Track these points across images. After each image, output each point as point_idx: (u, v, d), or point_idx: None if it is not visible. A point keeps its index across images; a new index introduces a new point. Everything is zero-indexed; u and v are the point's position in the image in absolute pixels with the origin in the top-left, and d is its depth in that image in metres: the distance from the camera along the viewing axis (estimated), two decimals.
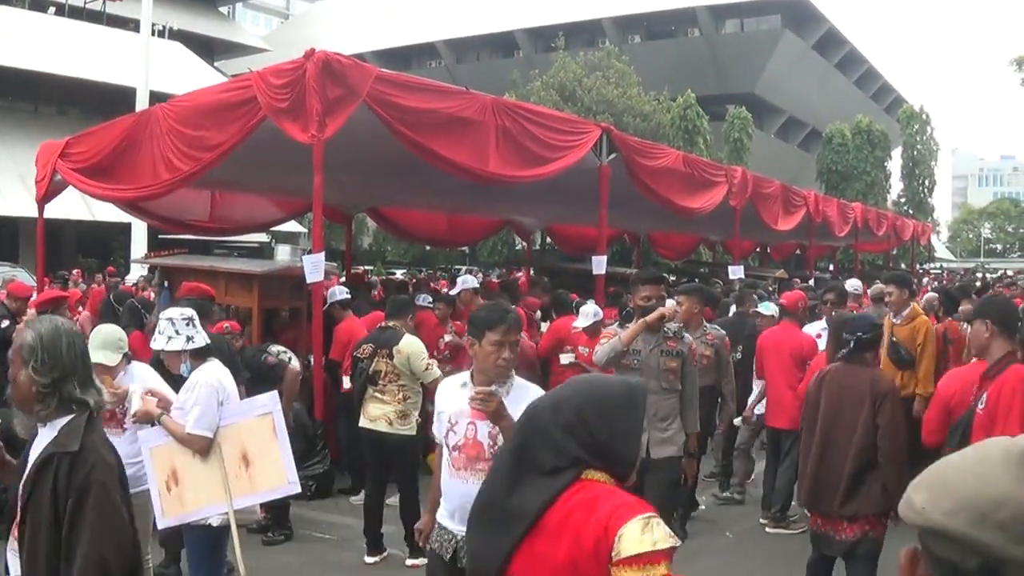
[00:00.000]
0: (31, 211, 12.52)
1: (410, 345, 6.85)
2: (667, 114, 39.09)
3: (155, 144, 9.14)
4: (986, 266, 59.56)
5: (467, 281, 11.26)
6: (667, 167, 12.35)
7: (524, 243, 20.83)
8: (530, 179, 9.86)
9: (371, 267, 41.50)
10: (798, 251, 28.82)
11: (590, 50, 45.54)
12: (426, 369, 6.86)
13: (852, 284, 11.10)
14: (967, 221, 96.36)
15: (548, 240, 22.94)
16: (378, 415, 6.75)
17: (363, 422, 6.86)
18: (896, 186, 50.03)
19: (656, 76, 42.86)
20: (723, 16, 57.30)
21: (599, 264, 11.24)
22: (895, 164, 49.93)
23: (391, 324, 7.03)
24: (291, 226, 28.32)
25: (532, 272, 18.29)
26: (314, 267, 8.04)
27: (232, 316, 8.69)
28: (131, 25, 33.18)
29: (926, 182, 49.42)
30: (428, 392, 6.67)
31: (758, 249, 28.02)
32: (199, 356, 5.18)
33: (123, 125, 9.83)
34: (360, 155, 9.77)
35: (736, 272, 15.46)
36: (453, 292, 10.93)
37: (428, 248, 40.54)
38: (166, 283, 9.47)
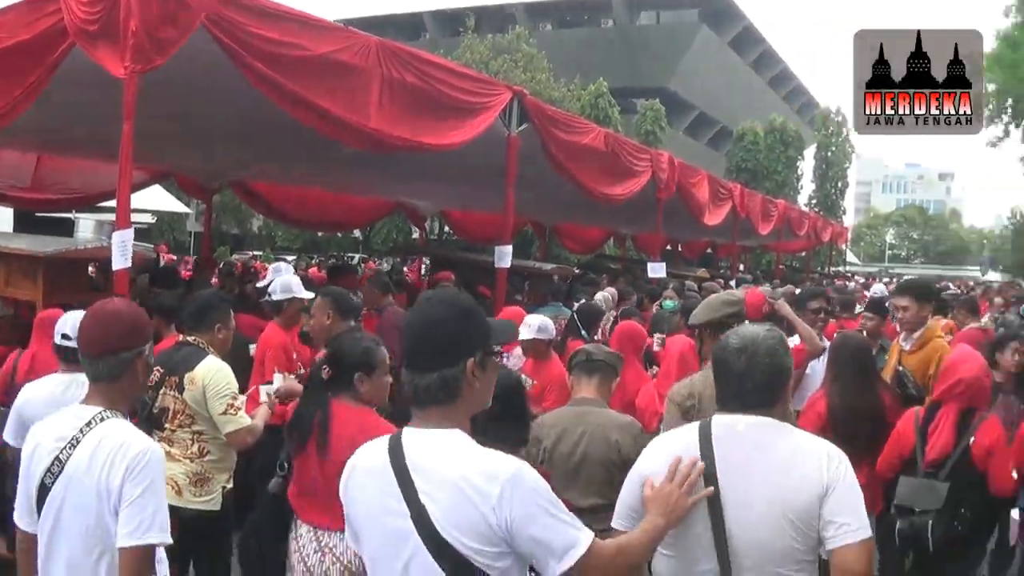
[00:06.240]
0: None
1: (209, 373, 4.42)
2: (577, 102, 37.40)
3: None
4: (890, 271, 60.40)
5: (280, 270, 8.15)
6: (588, 144, 10.39)
7: (419, 229, 18.71)
8: (422, 146, 7.78)
9: (260, 252, 38.91)
10: (709, 250, 27.52)
11: (499, 35, 43.60)
12: (224, 412, 4.37)
13: (877, 289, 9.39)
14: (871, 226, 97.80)
15: (447, 228, 21.03)
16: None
17: None
18: (807, 188, 50.06)
19: (567, 65, 41.29)
20: (639, 7, 56.08)
21: (503, 255, 9.16)
22: (806, 165, 50.00)
23: (190, 338, 4.65)
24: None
25: (427, 262, 16.38)
26: (122, 248, 5.73)
27: (11, 318, 6.43)
28: None
29: (839, 184, 49.61)
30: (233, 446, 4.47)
31: (668, 247, 26.43)
32: None
33: None
34: (211, 107, 7.66)
35: (657, 270, 13.69)
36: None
37: (320, 234, 38.11)
38: None
